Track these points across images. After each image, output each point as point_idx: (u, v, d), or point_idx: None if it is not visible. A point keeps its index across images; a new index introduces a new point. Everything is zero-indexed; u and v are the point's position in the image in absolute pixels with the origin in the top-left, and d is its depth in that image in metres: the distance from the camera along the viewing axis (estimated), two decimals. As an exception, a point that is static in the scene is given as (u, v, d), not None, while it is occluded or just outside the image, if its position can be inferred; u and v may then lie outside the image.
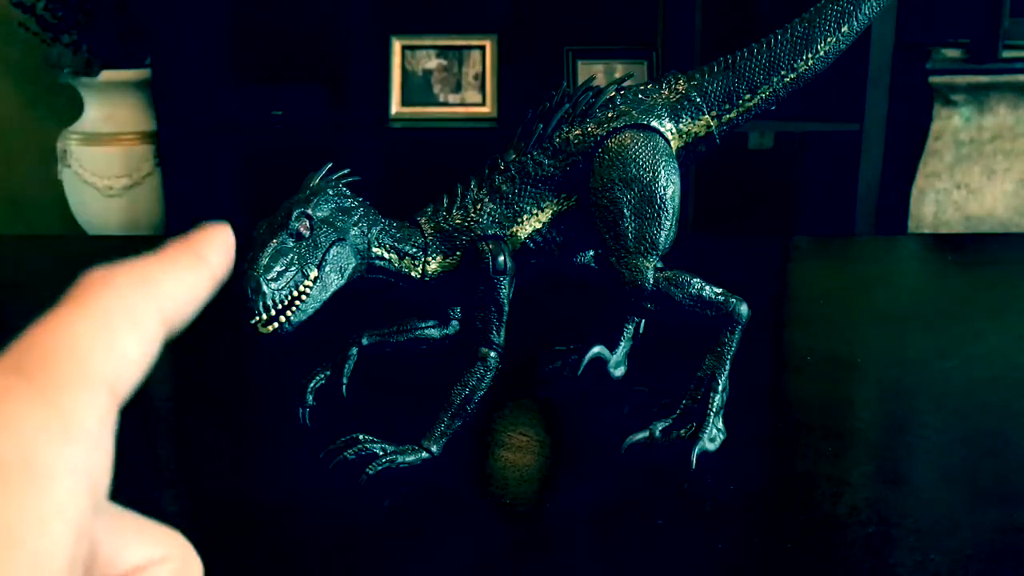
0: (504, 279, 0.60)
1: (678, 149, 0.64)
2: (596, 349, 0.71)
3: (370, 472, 0.56)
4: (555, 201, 0.63)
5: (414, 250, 0.61)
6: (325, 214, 0.57)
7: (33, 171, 2.49)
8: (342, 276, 0.57)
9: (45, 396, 0.17)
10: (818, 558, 0.49)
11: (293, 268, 0.54)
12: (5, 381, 0.17)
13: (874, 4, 0.65)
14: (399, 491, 0.56)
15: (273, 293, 0.53)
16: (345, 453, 0.57)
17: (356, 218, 0.58)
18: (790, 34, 0.65)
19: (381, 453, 0.57)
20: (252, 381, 0.78)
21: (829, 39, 0.65)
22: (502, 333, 0.60)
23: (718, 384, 0.59)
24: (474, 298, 0.60)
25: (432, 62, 2.29)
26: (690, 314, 0.59)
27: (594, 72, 2.18)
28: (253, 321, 0.53)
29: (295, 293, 0.54)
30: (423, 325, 0.66)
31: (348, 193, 0.59)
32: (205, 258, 0.22)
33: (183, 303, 0.21)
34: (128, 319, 0.20)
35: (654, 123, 0.63)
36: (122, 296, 0.20)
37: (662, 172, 0.61)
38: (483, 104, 2.28)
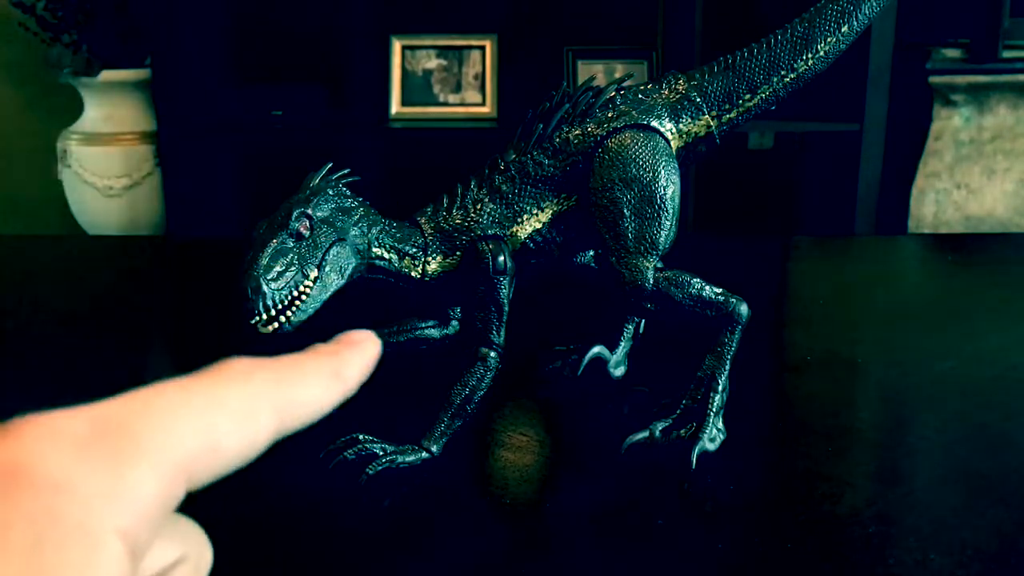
0: (504, 279, 0.60)
1: (678, 149, 0.64)
2: (596, 349, 0.71)
3: (370, 472, 0.56)
4: (555, 201, 0.63)
5: (414, 250, 0.61)
6: (325, 214, 0.57)
7: (33, 171, 2.49)
8: (342, 276, 0.57)
9: (116, 458, 0.18)
10: (818, 558, 0.49)
11: (293, 268, 0.54)
12: (85, 430, 0.18)
13: (874, 4, 0.65)
14: (399, 491, 0.56)
15: (273, 293, 0.53)
16: (345, 453, 0.57)
17: (356, 218, 0.58)
18: (790, 34, 0.65)
19: (381, 453, 0.57)
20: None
21: (829, 39, 0.65)
22: (502, 333, 0.60)
23: (718, 384, 0.59)
24: (474, 298, 0.60)
25: (432, 62, 2.29)
26: (690, 314, 0.59)
27: (594, 72, 2.18)
28: (253, 321, 0.53)
29: (295, 293, 0.54)
30: (423, 325, 0.66)
31: (348, 193, 0.59)
32: (343, 375, 0.23)
33: (305, 412, 0.22)
34: (239, 412, 0.20)
35: (654, 123, 0.63)
36: (247, 388, 0.21)
37: (662, 172, 0.61)
38: (483, 104, 2.28)
